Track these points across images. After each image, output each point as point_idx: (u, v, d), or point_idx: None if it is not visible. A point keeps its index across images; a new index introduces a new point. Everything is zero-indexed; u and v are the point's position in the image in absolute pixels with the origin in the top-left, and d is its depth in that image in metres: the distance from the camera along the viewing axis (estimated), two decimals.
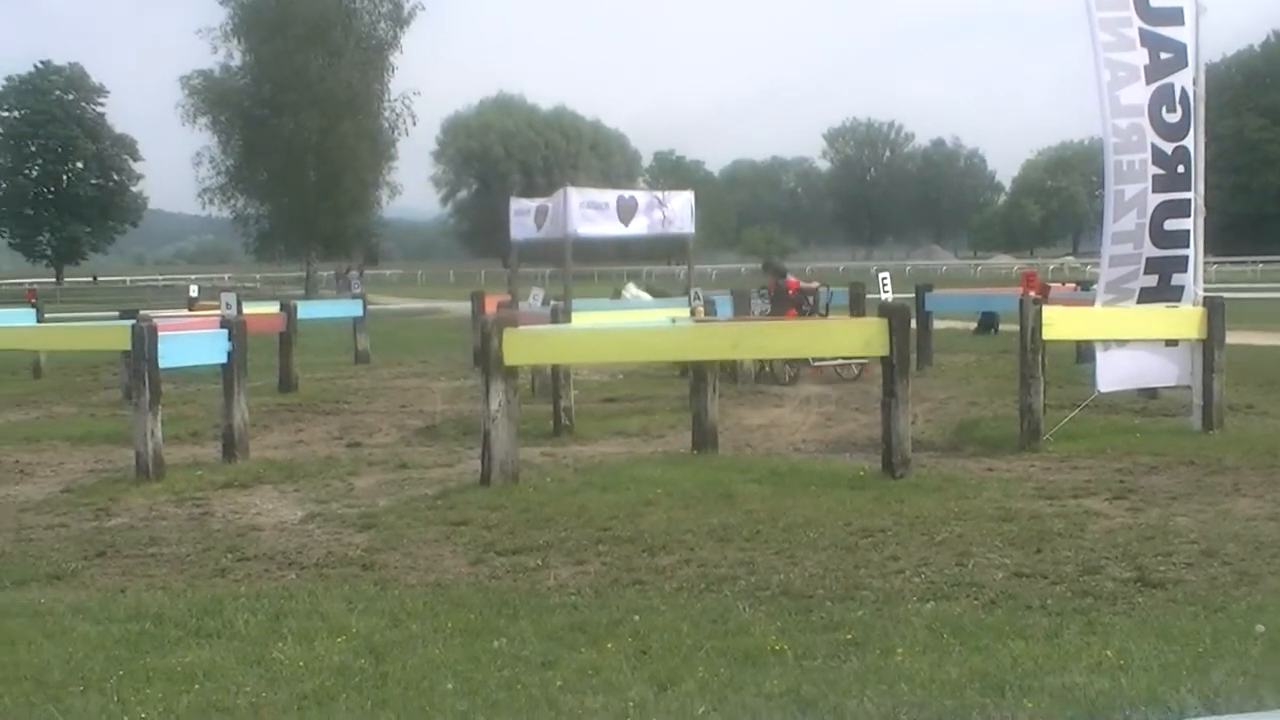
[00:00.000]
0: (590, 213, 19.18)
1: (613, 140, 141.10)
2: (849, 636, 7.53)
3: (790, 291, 22.54)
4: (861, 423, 17.21)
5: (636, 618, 7.95)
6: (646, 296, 29.42)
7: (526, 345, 13.32)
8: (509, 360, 12.78)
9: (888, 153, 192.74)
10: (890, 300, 22.13)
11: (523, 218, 21.22)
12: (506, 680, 6.91)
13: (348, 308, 31.81)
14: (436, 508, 11.75)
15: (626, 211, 19.65)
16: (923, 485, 12.40)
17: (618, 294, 33.82)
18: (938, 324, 27.59)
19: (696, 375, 14.91)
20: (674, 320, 16.73)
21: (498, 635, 7.67)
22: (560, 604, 8.40)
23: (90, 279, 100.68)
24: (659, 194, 22.15)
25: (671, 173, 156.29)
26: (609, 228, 19.65)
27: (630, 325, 15.45)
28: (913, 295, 25.51)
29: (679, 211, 21.28)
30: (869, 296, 25.76)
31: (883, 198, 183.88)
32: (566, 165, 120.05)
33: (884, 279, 26.31)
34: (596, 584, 8.94)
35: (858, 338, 14.15)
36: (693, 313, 18.88)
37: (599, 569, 9.40)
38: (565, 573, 9.33)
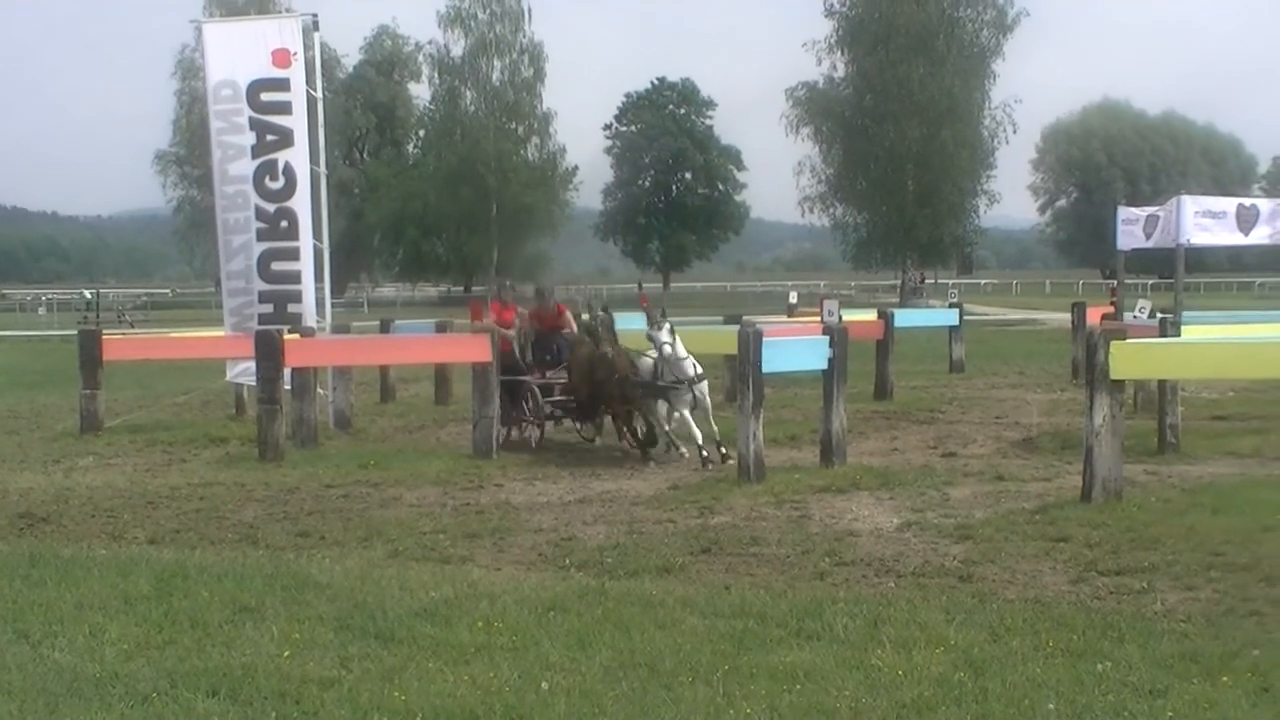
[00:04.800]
0: (1206, 221, 18.18)
1: (1226, 146, 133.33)
2: None
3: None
4: None
5: (1255, 652, 7.46)
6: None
7: (1135, 358, 12.78)
8: (1116, 373, 12.31)
9: None
10: None
11: (1131, 226, 20.41)
12: (1112, 705, 6.66)
13: (944, 316, 31.68)
14: (1035, 522, 11.51)
15: (1246, 220, 18.48)
16: None
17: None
18: None
19: None
20: None
21: (1102, 658, 7.40)
22: (1169, 630, 8.02)
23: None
24: None
25: None
26: (1226, 237, 18.57)
27: (1251, 339, 14.50)
28: None
29: None
30: None
31: None
32: (1174, 172, 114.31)
33: None
34: (1209, 612, 8.48)
35: None
36: None
37: (1210, 596, 8.91)
38: (1173, 598, 8.90)
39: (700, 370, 16.03)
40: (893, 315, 25.13)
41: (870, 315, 25.73)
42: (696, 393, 15.86)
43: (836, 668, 7.34)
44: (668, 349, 15.73)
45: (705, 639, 7.95)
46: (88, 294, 63.41)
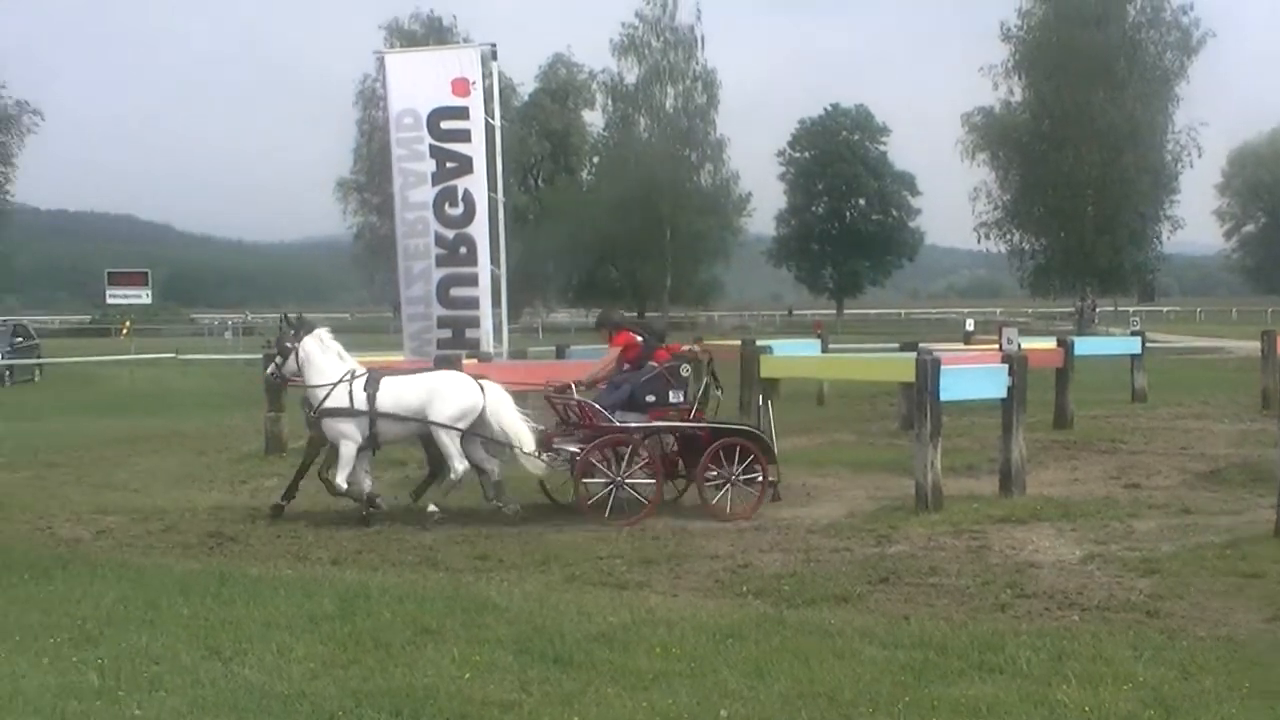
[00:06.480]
0: None
1: None
2: None
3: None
4: None
5: None
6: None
7: None
8: None
9: None
10: None
11: None
12: None
13: (1125, 345, 30.95)
14: (1225, 557, 11.18)
15: None
16: None
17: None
18: None
19: None
20: None
21: None
22: None
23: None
24: None
25: None
26: None
27: None
28: None
29: None
30: None
31: None
32: None
33: None
34: None
35: None
36: None
37: None
38: None
39: (366, 406, 13.87)
40: (1073, 343, 24.68)
41: (1049, 343, 25.29)
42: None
43: (1019, 702, 7.21)
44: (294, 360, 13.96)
45: (885, 670, 7.87)
46: (236, 320, 65.05)
